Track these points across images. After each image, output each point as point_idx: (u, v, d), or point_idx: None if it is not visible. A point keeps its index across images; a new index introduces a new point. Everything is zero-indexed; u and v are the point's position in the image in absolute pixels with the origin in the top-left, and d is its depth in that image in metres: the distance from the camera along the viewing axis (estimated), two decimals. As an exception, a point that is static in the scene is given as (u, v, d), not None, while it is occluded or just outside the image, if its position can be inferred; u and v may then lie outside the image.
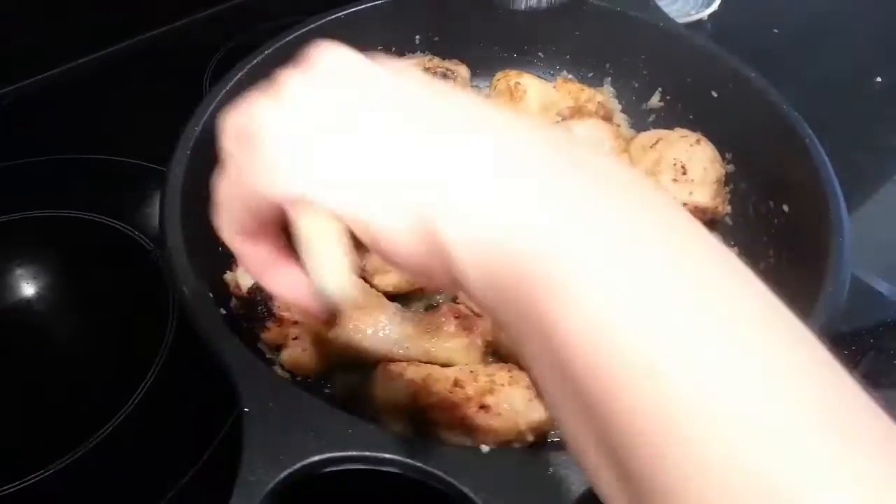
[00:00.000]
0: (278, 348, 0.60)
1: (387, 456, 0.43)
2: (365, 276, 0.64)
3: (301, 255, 0.32)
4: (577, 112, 0.76)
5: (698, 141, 0.69)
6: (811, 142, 0.65)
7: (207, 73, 0.93)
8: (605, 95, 0.82)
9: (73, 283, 0.71)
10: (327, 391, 0.62)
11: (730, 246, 0.70)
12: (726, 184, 0.72)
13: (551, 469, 0.45)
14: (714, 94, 0.74)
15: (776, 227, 0.67)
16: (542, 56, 0.86)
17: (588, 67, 0.84)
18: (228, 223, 0.33)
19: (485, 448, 0.46)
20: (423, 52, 0.84)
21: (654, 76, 0.80)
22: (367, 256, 0.63)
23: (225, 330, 0.51)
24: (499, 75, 0.81)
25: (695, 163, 0.67)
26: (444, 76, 0.78)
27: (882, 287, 0.64)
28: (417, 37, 0.84)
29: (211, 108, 0.65)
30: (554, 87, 0.79)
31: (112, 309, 0.69)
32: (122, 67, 0.95)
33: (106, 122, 0.88)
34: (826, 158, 0.63)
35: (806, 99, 0.74)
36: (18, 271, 0.72)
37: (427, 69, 0.78)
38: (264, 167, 0.30)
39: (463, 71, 0.81)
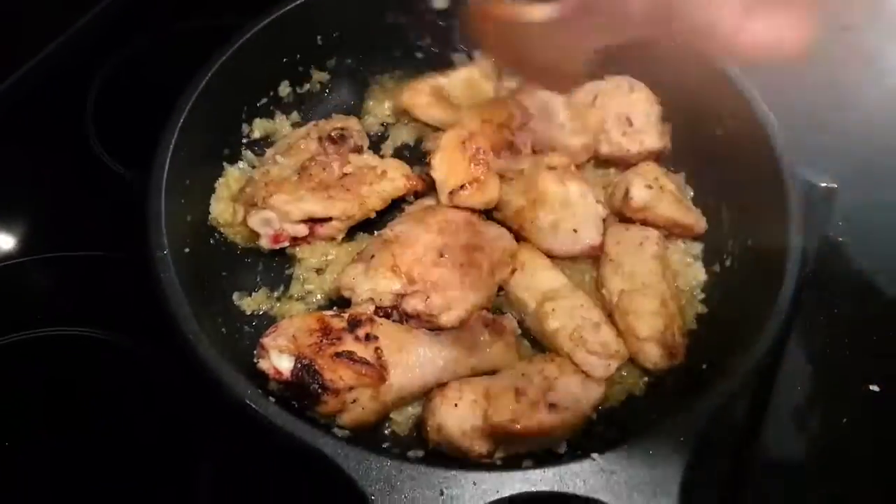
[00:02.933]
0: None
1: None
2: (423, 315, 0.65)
3: None
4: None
5: (632, 88, 0.73)
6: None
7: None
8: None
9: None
10: (387, 431, 0.65)
11: (675, 172, 0.77)
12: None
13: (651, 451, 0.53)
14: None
15: (714, 150, 0.75)
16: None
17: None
18: None
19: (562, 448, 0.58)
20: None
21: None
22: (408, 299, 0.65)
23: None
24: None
25: (637, 111, 0.72)
26: (342, 137, 0.73)
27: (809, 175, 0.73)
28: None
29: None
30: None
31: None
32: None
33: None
34: (748, 84, 0.70)
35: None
36: None
37: (319, 137, 0.74)
38: None
39: (353, 123, 0.77)
